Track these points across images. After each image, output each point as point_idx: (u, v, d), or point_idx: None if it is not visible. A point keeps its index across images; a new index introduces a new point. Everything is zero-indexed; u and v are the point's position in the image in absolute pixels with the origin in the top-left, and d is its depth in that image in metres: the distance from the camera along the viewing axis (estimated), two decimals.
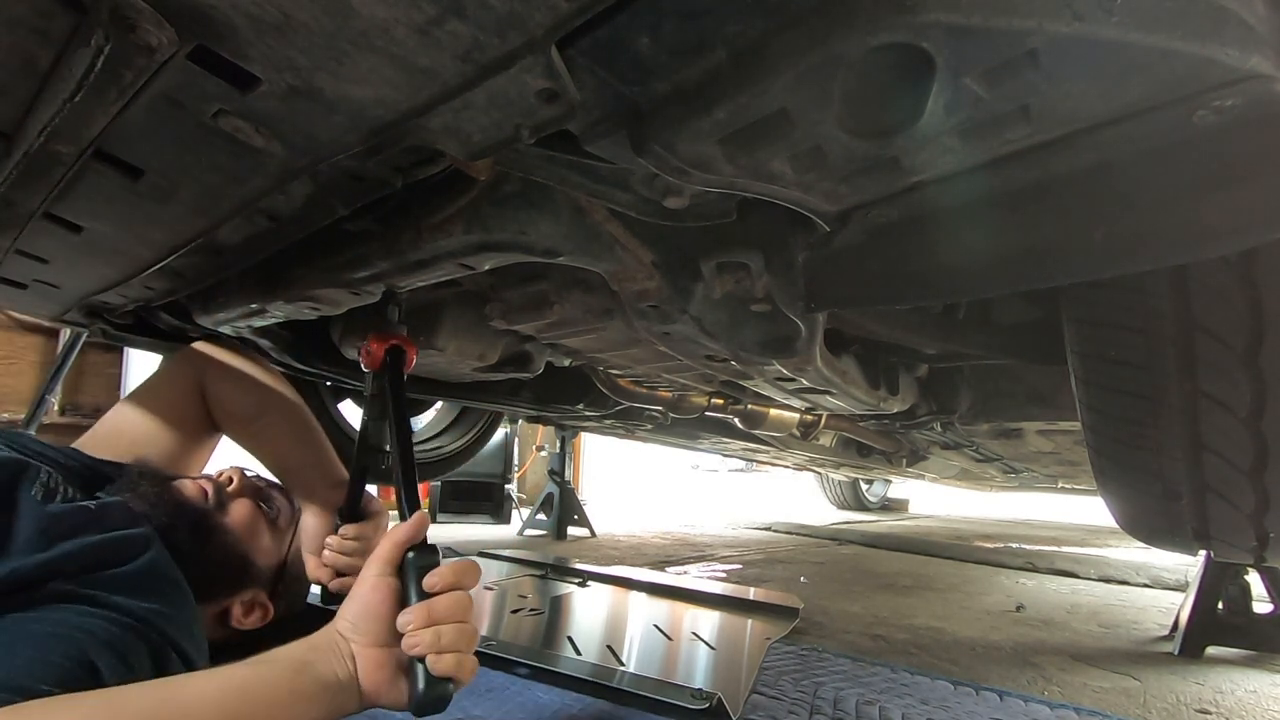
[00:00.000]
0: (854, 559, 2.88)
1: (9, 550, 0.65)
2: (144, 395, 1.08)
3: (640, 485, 7.39)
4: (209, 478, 0.97)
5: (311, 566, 0.93)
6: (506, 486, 3.80)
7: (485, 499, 3.76)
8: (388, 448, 0.84)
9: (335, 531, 0.91)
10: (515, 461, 3.97)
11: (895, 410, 1.40)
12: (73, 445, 0.96)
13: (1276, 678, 1.34)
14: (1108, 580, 2.49)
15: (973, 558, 2.99)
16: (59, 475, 0.79)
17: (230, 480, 0.96)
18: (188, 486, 0.92)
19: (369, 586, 0.67)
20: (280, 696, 0.59)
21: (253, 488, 0.98)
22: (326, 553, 0.90)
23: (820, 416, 1.83)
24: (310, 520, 0.95)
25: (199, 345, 1.12)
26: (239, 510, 0.93)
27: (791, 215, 0.63)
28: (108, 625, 0.63)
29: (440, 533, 3.19)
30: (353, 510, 0.91)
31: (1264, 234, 0.48)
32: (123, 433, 1.02)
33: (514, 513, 3.75)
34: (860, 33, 0.38)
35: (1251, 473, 0.92)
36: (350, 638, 0.65)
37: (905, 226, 0.62)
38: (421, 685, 0.63)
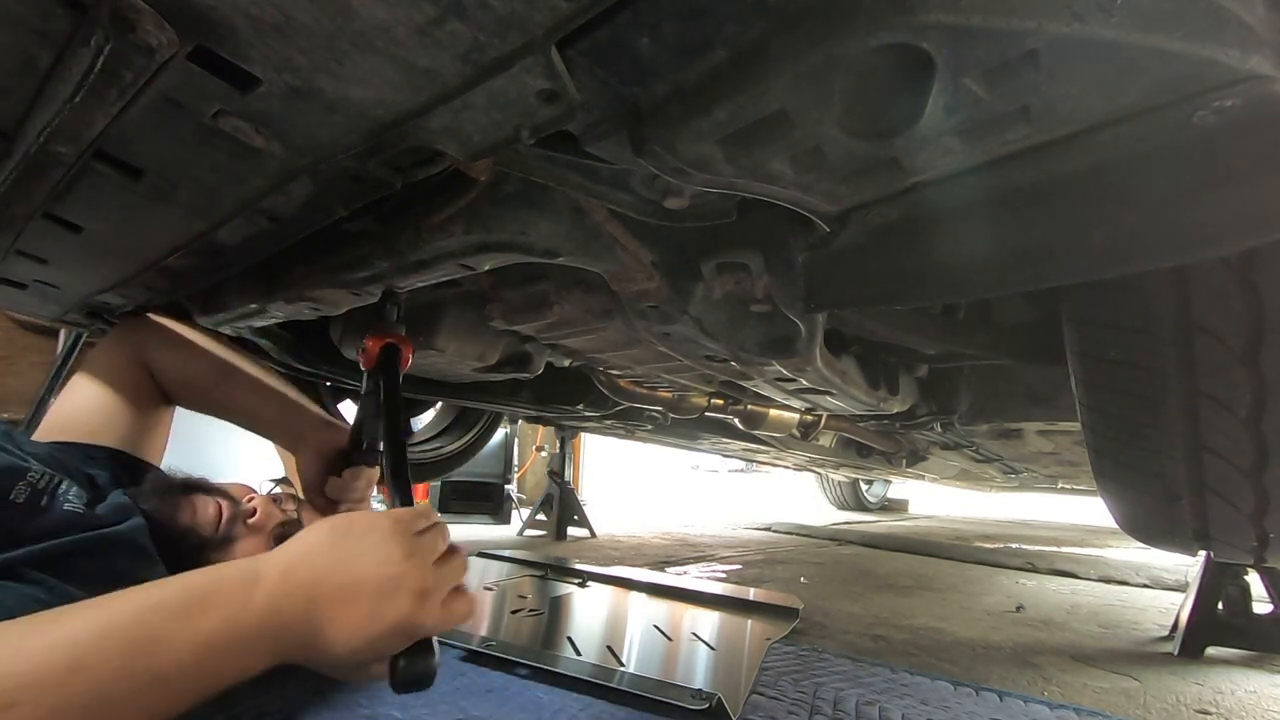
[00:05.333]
0: (854, 559, 2.88)
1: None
2: (86, 377, 1.02)
3: (640, 486, 7.38)
4: (233, 500, 0.91)
5: (319, 508, 0.89)
6: (506, 487, 3.80)
7: (485, 499, 3.76)
8: (381, 447, 0.82)
9: (335, 474, 0.89)
10: (515, 462, 3.97)
11: (895, 410, 1.40)
12: (31, 438, 0.91)
13: (1276, 678, 1.34)
14: (1107, 580, 2.49)
15: (972, 558, 2.99)
16: (51, 472, 0.76)
17: (253, 512, 0.91)
18: (207, 509, 0.87)
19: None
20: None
21: (277, 523, 0.92)
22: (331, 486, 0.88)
23: (820, 417, 1.83)
24: (308, 465, 0.91)
25: (137, 319, 1.05)
26: (245, 549, 0.87)
27: (791, 215, 0.63)
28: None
29: None
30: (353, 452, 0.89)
31: (1264, 234, 0.48)
32: (72, 420, 0.96)
33: (514, 513, 3.75)
34: (860, 33, 0.38)
35: (1251, 473, 0.92)
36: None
37: (905, 227, 0.62)
38: None
